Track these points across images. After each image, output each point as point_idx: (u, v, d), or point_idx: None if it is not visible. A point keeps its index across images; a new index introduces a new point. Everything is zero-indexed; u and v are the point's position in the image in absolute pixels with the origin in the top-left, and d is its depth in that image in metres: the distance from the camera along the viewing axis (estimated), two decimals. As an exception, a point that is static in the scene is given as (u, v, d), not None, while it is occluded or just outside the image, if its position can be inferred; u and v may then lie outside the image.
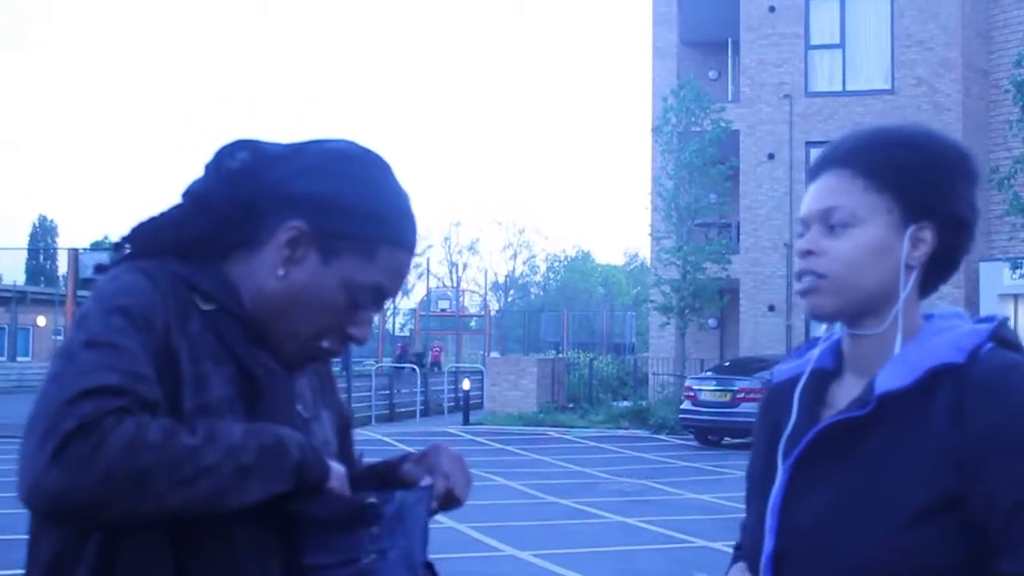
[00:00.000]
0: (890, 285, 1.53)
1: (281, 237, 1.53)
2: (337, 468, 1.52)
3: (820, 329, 1.70)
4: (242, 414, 1.47)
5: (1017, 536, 1.38)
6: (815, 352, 1.68)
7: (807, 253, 1.56)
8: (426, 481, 1.63)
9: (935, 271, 1.58)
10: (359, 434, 22.45)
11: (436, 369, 28.95)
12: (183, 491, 1.34)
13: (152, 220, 1.57)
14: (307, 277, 1.53)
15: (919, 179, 1.53)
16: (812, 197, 1.60)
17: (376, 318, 1.69)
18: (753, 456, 1.74)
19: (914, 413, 1.47)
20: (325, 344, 1.58)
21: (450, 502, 1.67)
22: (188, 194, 1.58)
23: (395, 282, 1.60)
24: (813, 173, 1.62)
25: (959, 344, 1.48)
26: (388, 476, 1.70)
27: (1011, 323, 1.58)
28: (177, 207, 1.57)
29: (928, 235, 1.53)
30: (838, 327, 1.65)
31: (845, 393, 1.59)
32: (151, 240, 1.55)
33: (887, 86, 25.99)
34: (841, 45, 26.53)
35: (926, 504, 1.42)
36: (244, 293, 1.55)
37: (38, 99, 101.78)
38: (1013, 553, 1.38)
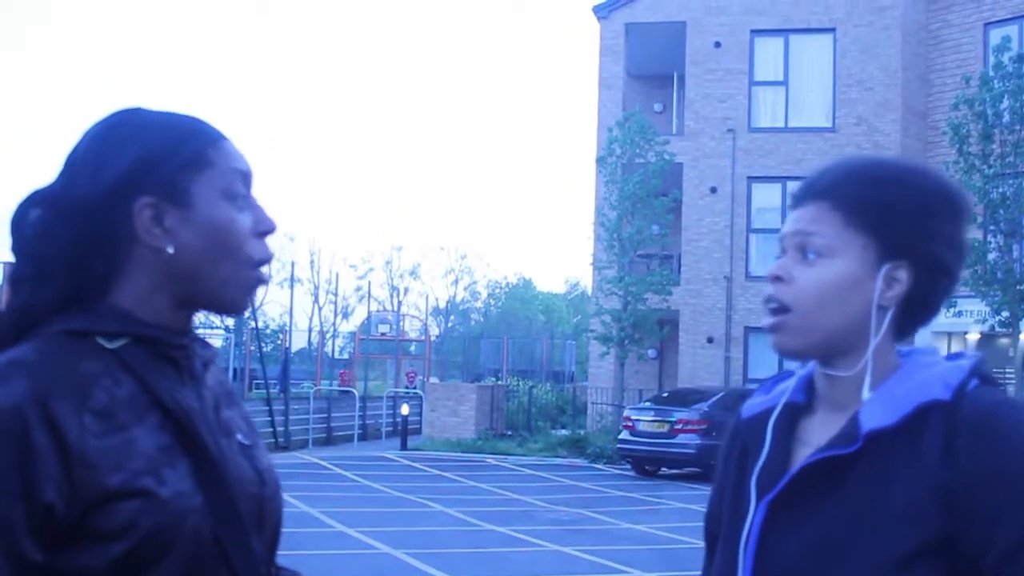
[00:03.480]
0: (860, 324, 1.48)
1: (142, 224, 1.47)
2: None
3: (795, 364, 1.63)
4: (182, 459, 1.42)
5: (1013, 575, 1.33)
6: (788, 385, 1.62)
7: (776, 279, 1.52)
8: None
9: (912, 313, 1.52)
10: (296, 457, 22.28)
11: (344, 394, 28.60)
12: None
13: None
14: (190, 230, 1.48)
15: (898, 217, 1.48)
16: (789, 223, 1.55)
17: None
18: (716, 495, 1.67)
19: (900, 451, 1.42)
20: (256, 256, 1.53)
21: None
22: (16, 282, 1.48)
23: (245, 162, 1.56)
24: (796, 201, 1.57)
25: (945, 380, 1.44)
26: None
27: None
28: (20, 290, 1.48)
29: (903, 275, 1.48)
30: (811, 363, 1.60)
31: (819, 429, 1.53)
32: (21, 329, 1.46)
33: (828, 124, 26.40)
34: (784, 82, 26.93)
35: (915, 546, 1.37)
36: (152, 307, 1.49)
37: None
38: None
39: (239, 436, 1.57)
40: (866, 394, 1.47)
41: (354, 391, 29.52)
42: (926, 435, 1.41)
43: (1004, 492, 1.35)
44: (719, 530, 1.62)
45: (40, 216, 1.48)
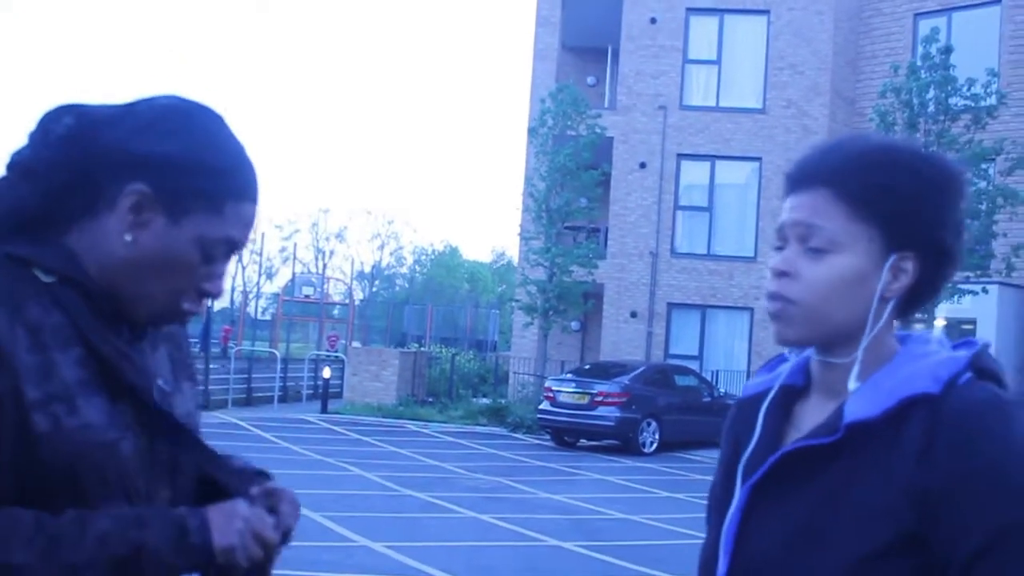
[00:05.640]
0: (863, 316, 1.45)
1: (124, 203, 1.49)
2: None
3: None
4: (97, 394, 1.44)
5: None
6: (785, 368, 1.59)
7: (781, 274, 1.47)
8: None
9: (915, 299, 1.49)
10: (215, 417, 22.08)
11: (224, 353, 28.02)
12: None
13: None
14: (156, 240, 1.50)
15: (905, 207, 1.44)
16: (792, 210, 1.49)
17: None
18: (716, 473, 1.65)
19: (882, 444, 1.39)
20: (184, 304, 1.55)
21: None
22: (12, 165, 1.52)
23: (245, 233, 1.57)
24: (795, 183, 1.51)
25: (936, 373, 1.40)
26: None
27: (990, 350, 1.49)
28: (2, 179, 1.53)
29: (910, 266, 1.45)
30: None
31: (812, 415, 1.52)
32: None
33: (759, 105, 26.67)
34: (717, 62, 27.13)
35: (884, 541, 1.35)
36: (90, 263, 1.50)
37: None
38: None
39: (160, 381, 1.59)
40: (852, 384, 1.45)
41: (234, 350, 29.01)
42: (908, 430, 1.38)
43: (976, 495, 1.32)
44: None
45: (69, 125, 1.51)
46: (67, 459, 1.39)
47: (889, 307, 1.46)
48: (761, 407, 1.56)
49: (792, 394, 1.57)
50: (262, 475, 1.70)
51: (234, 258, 1.58)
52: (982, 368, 1.43)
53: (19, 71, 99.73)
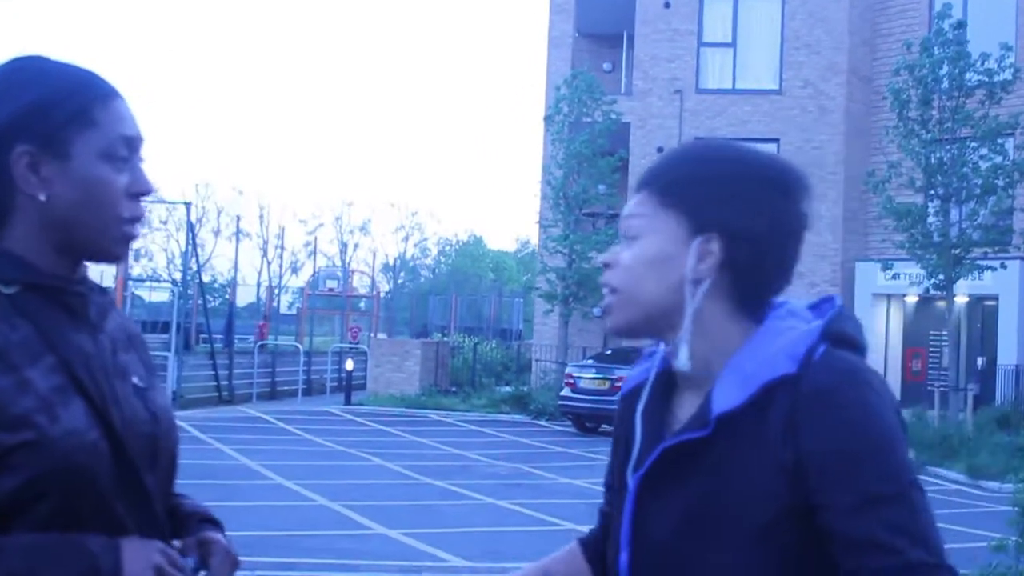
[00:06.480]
0: (676, 299, 1.52)
1: (19, 171, 1.52)
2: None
3: None
4: (76, 398, 1.49)
5: (852, 541, 1.38)
6: (658, 356, 1.65)
7: (605, 266, 1.57)
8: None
9: (747, 285, 1.52)
10: (240, 411, 22.13)
11: (261, 348, 28.09)
12: None
13: None
14: (66, 182, 1.54)
15: (704, 192, 1.51)
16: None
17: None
18: (609, 465, 1.75)
19: (751, 429, 1.45)
20: (125, 213, 1.59)
21: None
22: None
23: (131, 124, 1.61)
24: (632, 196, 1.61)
25: (791, 352, 1.45)
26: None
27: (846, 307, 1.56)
28: None
29: (715, 247, 1.49)
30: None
31: (686, 405, 1.58)
32: None
33: (775, 86, 26.57)
34: (732, 44, 27.04)
35: (767, 521, 1.42)
36: (34, 253, 1.55)
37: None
38: (849, 557, 1.39)
39: (135, 379, 1.64)
40: (681, 363, 1.52)
41: (257, 344, 29.14)
42: (772, 412, 1.44)
43: (838, 465, 1.39)
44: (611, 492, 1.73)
45: None
46: (56, 466, 1.42)
47: (703, 288, 1.51)
48: (641, 399, 1.63)
49: (671, 381, 1.62)
50: (209, 522, 1.74)
51: (140, 150, 1.62)
52: (836, 336, 1.47)
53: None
